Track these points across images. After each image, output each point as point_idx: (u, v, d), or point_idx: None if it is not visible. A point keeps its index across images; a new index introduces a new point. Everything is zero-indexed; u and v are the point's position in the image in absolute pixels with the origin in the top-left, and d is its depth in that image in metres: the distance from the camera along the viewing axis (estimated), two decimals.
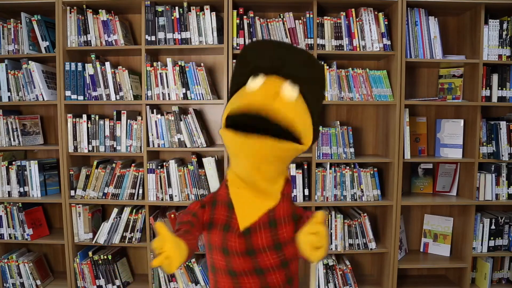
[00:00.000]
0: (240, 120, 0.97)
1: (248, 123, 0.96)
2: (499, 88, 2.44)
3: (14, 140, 2.50)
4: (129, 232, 2.47)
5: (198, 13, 2.37)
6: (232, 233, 1.05)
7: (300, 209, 1.15)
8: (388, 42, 2.41)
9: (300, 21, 2.39)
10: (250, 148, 0.98)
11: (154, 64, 2.40)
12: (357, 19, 2.41)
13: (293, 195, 2.43)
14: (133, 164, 2.47)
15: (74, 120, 2.45)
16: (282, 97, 0.97)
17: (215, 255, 1.09)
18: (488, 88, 2.43)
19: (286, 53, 1.03)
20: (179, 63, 2.40)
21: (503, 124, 2.43)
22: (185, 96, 2.40)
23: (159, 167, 2.44)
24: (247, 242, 1.05)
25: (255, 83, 1.00)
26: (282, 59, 1.02)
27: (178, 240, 0.91)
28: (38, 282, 2.52)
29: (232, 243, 1.05)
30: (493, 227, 2.51)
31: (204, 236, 1.13)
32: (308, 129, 1.03)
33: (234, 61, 2.35)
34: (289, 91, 0.99)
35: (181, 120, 2.41)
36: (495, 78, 2.43)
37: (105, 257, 2.47)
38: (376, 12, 2.41)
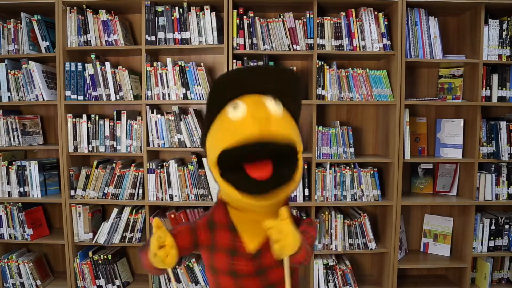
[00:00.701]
0: (238, 154, 0.92)
1: (245, 155, 0.92)
2: (499, 88, 2.44)
3: (14, 140, 2.50)
4: (129, 232, 2.47)
5: (198, 13, 2.37)
6: (240, 257, 1.03)
7: (296, 217, 1.14)
8: (388, 42, 2.41)
9: (300, 21, 2.39)
10: (265, 206, 0.96)
11: (154, 64, 2.40)
12: (357, 19, 2.41)
13: (293, 195, 2.43)
14: (133, 164, 2.47)
15: (74, 120, 2.45)
16: (274, 117, 0.94)
17: (221, 278, 1.07)
18: (488, 88, 2.43)
19: (257, 73, 1.02)
20: (179, 63, 2.40)
21: (503, 124, 2.43)
22: (185, 96, 2.40)
23: (159, 167, 2.44)
24: (257, 263, 1.04)
25: (238, 110, 0.95)
26: (256, 78, 0.99)
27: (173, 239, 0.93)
28: (38, 282, 2.52)
29: (241, 266, 1.03)
30: (493, 227, 2.51)
31: (205, 258, 1.10)
32: (298, 135, 1.02)
33: (234, 61, 2.36)
34: (275, 107, 0.97)
35: (181, 120, 2.41)
36: (495, 78, 2.43)
37: (105, 257, 2.47)
38: (376, 12, 2.41)
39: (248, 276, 1.04)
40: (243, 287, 1.05)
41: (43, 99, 2.42)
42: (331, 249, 2.46)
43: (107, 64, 2.40)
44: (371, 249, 2.49)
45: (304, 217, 2.48)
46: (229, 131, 0.93)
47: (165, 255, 0.90)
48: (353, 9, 2.40)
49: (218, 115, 0.99)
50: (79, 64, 2.42)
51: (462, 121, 2.54)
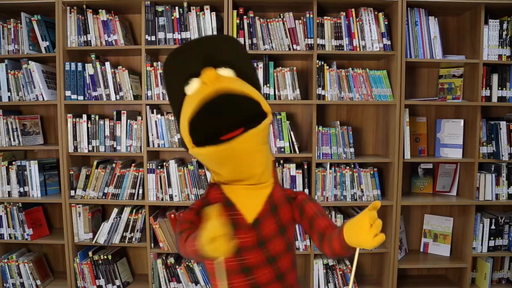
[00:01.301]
0: (204, 119, 0.94)
1: (211, 116, 0.93)
2: (499, 88, 2.44)
3: (14, 140, 2.50)
4: (129, 232, 2.47)
5: (198, 13, 2.37)
6: (240, 230, 1.04)
7: (289, 191, 1.17)
8: (388, 42, 2.41)
9: (300, 21, 2.39)
10: (236, 150, 0.96)
11: (154, 64, 2.40)
12: (357, 19, 2.41)
13: None
14: (133, 164, 2.47)
15: (74, 120, 2.45)
16: (225, 77, 0.99)
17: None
18: (488, 88, 2.43)
19: (200, 47, 1.03)
20: None
21: (503, 124, 2.43)
22: None
23: (159, 167, 2.44)
24: (257, 234, 1.05)
25: (192, 85, 0.99)
26: (200, 53, 1.01)
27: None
28: (38, 282, 2.52)
29: (243, 239, 1.04)
30: (493, 227, 2.51)
31: None
32: (261, 96, 1.02)
33: None
34: (225, 72, 1.01)
35: None
36: (495, 78, 2.43)
37: (105, 257, 2.47)
38: (376, 12, 2.41)
39: (250, 248, 1.04)
40: (246, 260, 1.05)
41: (43, 99, 2.42)
42: None
43: (107, 64, 2.40)
44: (371, 249, 2.48)
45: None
46: (189, 103, 0.97)
47: (223, 244, 0.84)
48: (353, 9, 2.40)
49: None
50: (79, 64, 2.42)
51: (462, 121, 2.54)
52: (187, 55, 1.02)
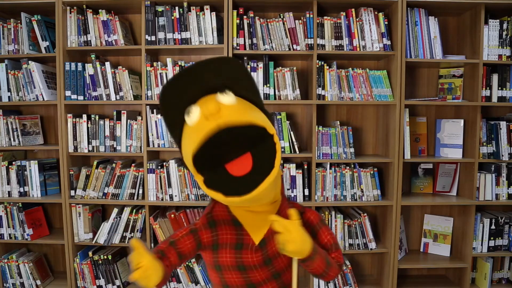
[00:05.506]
0: (207, 152, 0.90)
1: (215, 149, 0.90)
2: (499, 88, 2.44)
3: (14, 140, 2.50)
4: (129, 232, 2.47)
5: (198, 13, 2.37)
6: (247, 250, 1.04)
7: (297, 205, 1.15)
8: (388, 42, 2.41)
9: (300, 21, 2.39)
10: (257, 196, 0.92)
11: (154, 64, 2.40)
12: (357, 19, 2.41)
13: (293, 195, 2.44)
14: (133, 164, 2.47)
15: (74, 120, 2.45)
16: (226, 106, 0.92)
17: (227, 274, 1.06)
18: (488, 88, 2.43)
19: (198, 72, 0.98)
20: (179, 63, 2.40)
21: (503, 124, 2.43)
22: None
23: (159, 167, 2.44)
24: (263, 253, 1.05)
25: (193, 115, 0.94)
26: (199, 79, 0.97)
27: (154, 259, 0.89)
28: (38, 282, 2.52)
29: (249, 259, 1.04)
30: (493, 227, 2.51)
31: (208, 258, 1.09)
32: (264, 118, 0.97)
33: None
34: (225, 98, 0.95)
35: None
36: (495, 78, 2.43)
37: (105, 257, 2.47)
38: (376, 12, 2.41)
39: (256, 267, 1.05)
40: (252, 278, 1.05)
41: (43, 99, 2.42)
42: None
43: (107, 64, 2.40)
44: (371, 249, 2.49)
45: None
46: (191, 136, 0.93)
47: (142, 277, 0.87)
48: (353, 9, 2.40)
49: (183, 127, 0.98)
50: (79, 64, 2.42)
51: (462, 121, 2.54)
52: (185, 82, 0.97)
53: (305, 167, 2.44)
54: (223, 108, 0.91)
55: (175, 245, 1.03)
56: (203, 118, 0.91)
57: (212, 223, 1.07)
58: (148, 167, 2.42)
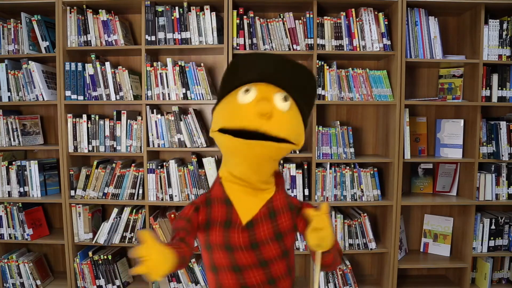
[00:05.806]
0: (234, 134, 0.99)
1: (241, 137, 0.98)
2: (499, 88, 2.44)
3: (14, 140, 2.50)
4: (129, 232, 2.47)
5: (198, 13, 2.37)
6: (234, 229, 1.06)
7: (295, 200, 1.19)
8: (388, 42, 2.41)
9: (300, 21, 2.39)
10: (250, 151, 1.00)
11: (154, 64, 2.40)
12: (357, 19, 2.41)
13: (293, 195, 2.44)
14: (133, 164, 2.47)
15: (74, 120, 2.45)
16: (276, 112, 1.00)
17: (216, 254, 1.09)
18: (488, 88, 2.43)
19: (277, 63, 1.05)
20: (179, 63, 2.40)
21: (503, 124, 2.43)
22: (185, 96, 2.40)
23: (159, 167, 2.44)
24: (250, 235, 1.06)
25: (247, 97, 1.01)
26: (274, 68, 1.04)
27: (164, 248, 0.89)
28: (38, 282, 2.52)
29: (235, 238, 1.05)
30: (493, 227, 2.51)
31: (201, 237, 1.12)
32: (301, 134, 1.08)
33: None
34: (281, 104, 1.02)
35: (181, 120, 2.41)
36: (495, 78, 2.43)
37: (105, 257, 2.47)
38: (376, 12, 2.41)
39: (242, 248, 1.06)
40: (238, 260, 1.06)
41: (43, 99, 2.42)
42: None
43: (107, 64, 2.40)
44: (371, 249, 2.49)
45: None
46: (232, 113, 1.02)
47: (142, 271, 0.89)
48: (353, 9, 2.40)
49: (231, 92, 1.06)
50: (79, 64, 2.42)
51: (462, 121, 2.54)
52: (263, 61, 1.06)
53: (305, 167, 2.44)
54: (274, 113, 0.99)
55: (191, 221, 1.08)
56: (253, 107, 0.98)
57: (208, 201, 1.11)
58: (148, 167, 2.42)
